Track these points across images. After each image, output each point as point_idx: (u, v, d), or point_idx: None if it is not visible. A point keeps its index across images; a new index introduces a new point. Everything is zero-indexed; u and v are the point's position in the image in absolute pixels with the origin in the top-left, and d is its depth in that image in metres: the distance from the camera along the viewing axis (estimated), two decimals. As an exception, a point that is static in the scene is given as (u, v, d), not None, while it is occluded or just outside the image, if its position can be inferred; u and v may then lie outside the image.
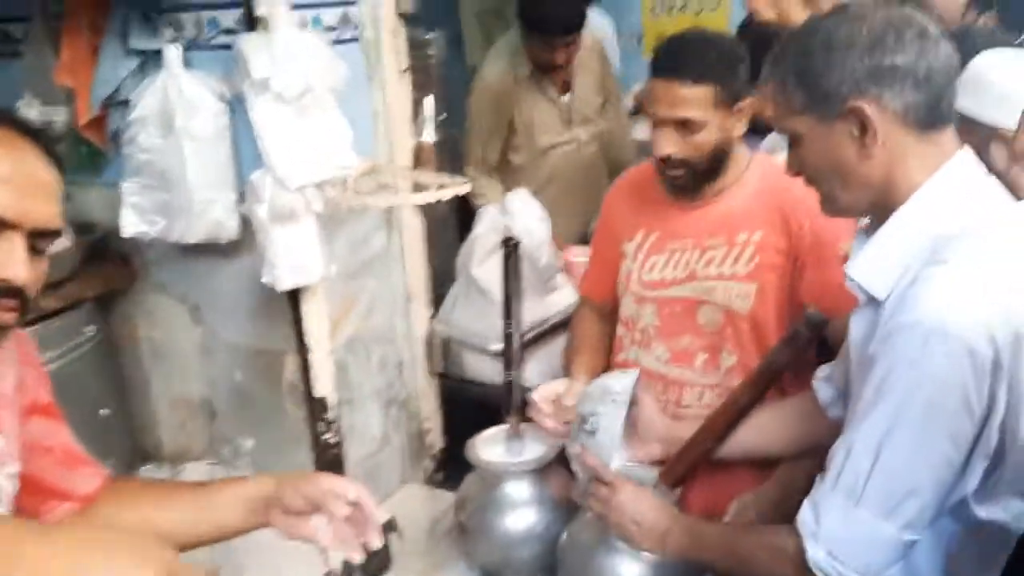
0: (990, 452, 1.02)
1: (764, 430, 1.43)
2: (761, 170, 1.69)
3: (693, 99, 1.53)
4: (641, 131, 4.09)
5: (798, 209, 1.61)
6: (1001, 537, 1.07)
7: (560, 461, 1.69)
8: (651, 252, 1.75)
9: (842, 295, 1.51)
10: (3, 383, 1.05)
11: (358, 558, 1.12)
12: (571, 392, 1.70)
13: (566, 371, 1.86)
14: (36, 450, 1.11)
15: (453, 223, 2.95)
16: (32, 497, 1.12)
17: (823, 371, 1.33)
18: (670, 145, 1.58)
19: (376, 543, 1.13)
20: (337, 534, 1.12)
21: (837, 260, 1.59)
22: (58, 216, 0.96)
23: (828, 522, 1.06)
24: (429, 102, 2.43)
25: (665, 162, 1.61)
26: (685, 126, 1.56)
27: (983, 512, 1.06)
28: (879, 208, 1.11)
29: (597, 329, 1.91)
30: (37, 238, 0.93)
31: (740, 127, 1.60)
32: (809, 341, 1.29)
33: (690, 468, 1.46)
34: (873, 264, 1.09)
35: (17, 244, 0.91)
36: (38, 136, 0.97)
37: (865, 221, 1.38)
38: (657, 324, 1.75)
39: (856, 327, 1.16)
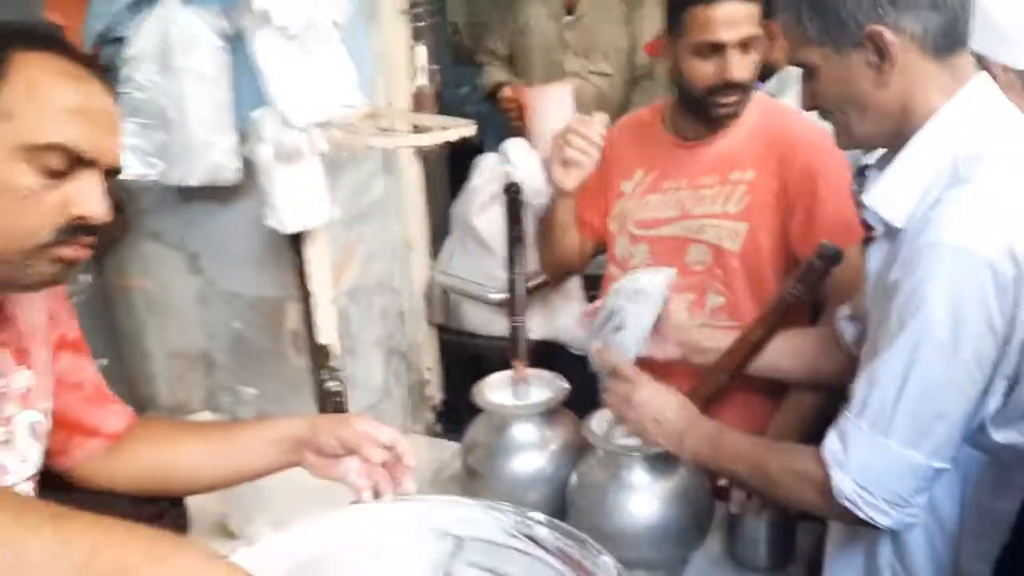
0: (1010, 373, 1.02)
1: (780, 353, 1.43)
2: (759, 109, 1.69)
3: (749, 16, 1.54)
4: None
5: (793, 147, 1.61)
6: (1017, 462, 1.08)
7: (567, 404, 1.69)
8: (648, 191, 1.76)
9: (835, 233, 1.52)
10: (37, 317, 1.04)
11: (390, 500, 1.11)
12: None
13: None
14: (65, 385, 1.10)
15: (444, 174, 2.92)
16: (60, 431, 1.11)
17: (844, 310, 1.33)
18: (747, 67, 1.57)
19: (411, 488, 1.11)
20: (370, 476, 1.11)
21: (831, 198, 1.60)
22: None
23: (855, 452, 1.05)
24: (421, 51, 2.39)
25: (732, 88, 1.58)
26: (746, 46, 1.55)
27: (1000, 436, 1.07)
28: (896, 137, 1.10)
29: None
30: (108, 176, 0.91)
31: None
32: (823, 274, 1.29)
33: (702, 404, 1.46)
34: (890, 192, 1.08)
35: (96, 181, 0.90)
36: (96, 66, 0.94)
37: (874, 156, 1.39)
38: (649, 263, 1.76)
39: (873, 258, 1.16)
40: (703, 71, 1.58)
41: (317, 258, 1.75)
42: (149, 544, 0.66)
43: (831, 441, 1.09)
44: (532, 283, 2.30)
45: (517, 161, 2.19)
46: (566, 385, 1.69)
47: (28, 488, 1.04)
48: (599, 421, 1.57)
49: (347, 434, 1.11)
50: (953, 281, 0.97)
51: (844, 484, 1.06)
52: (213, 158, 1.64)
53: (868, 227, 1.71)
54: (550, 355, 2.47)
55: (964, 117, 1.06)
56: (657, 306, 1.43)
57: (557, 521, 0.81)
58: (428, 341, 2.20)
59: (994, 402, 1.04)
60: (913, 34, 1.04)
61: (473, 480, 1.71)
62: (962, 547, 1.13)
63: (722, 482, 1.49)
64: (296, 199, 1.58)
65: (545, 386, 1.74)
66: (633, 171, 1.79)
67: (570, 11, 2.89)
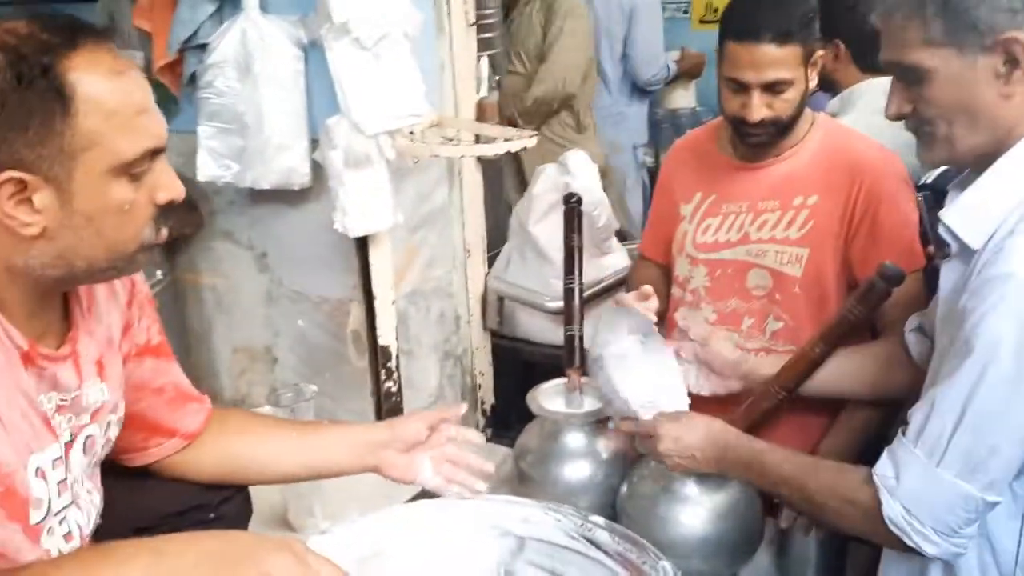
0: None
1: (840, 372, 1.42)
2: (823, 131, 1.67)
3: (781, 60, 1.50)
4: (682, 98, 4.09)
5: (857, 171, 1.60)
6: None
7: (619, 415, 1.71)
8: (707, 215, 1.75)
9: (897, 258, 1.51)
10: (110, 330, 1.06)
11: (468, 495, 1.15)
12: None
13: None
14: (146, 390, 1.13)
15: (506, 183, 2.97)
16: (137, 434, 1.14)
17: (912, 322, 1.31)
18: (762, 110, 1.56)
19: (481, 487, 1.15)
20: (444, 475, 1.15)
21: (894, 223, 1.59)
22: None
23: (907, 479, 1.03)
24: (484, 62, 2.44)
25: (751, 125, 1.59)
26: (773, 87, 1.55)
27: None
28: (991, 156, 1.04)
29: (656, 273, 1.92)
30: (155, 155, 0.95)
31: (814, 79, 1.59)
32: (884, 295, 1.28)
33: (759, 421, 1.46)
34: (969, 212, 1.05)
35: (166, 163, 0.93)
36: (107, 33, 0.94)
37: (934, 174, 1.36)
38: (707, 285, 1.76)
39: (946, 278, 1.12)
40: (730, 104, 1.59)
41: (380, 261, 1.79)
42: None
43: (883, 466, 1.06)
44: (588, 292, 2.33)
45: (576, 171, 2.22)
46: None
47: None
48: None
49: (410, 429, 1.16)
50: (1021, 314, 0.95)
51: (894, 510, 1.04)
52: (286, 162, 1.70)
53: (931, 254, 1.69)
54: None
55: None
56: (645, 361, 1.44)
57: (616, 525, 0.83)
58: (483, 346, 2.24)
59: None
60: None
61: (524, 484, 1.73)
62: None
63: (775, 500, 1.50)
64: (364, 204, 1.63)
65: (597, 396, 1.75)
66: (693, 194, 1.79)
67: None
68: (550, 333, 2.43)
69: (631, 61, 3.49)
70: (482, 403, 2.28)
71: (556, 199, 2.19)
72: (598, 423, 1.69)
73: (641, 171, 3.68)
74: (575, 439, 1.69)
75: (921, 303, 1.60)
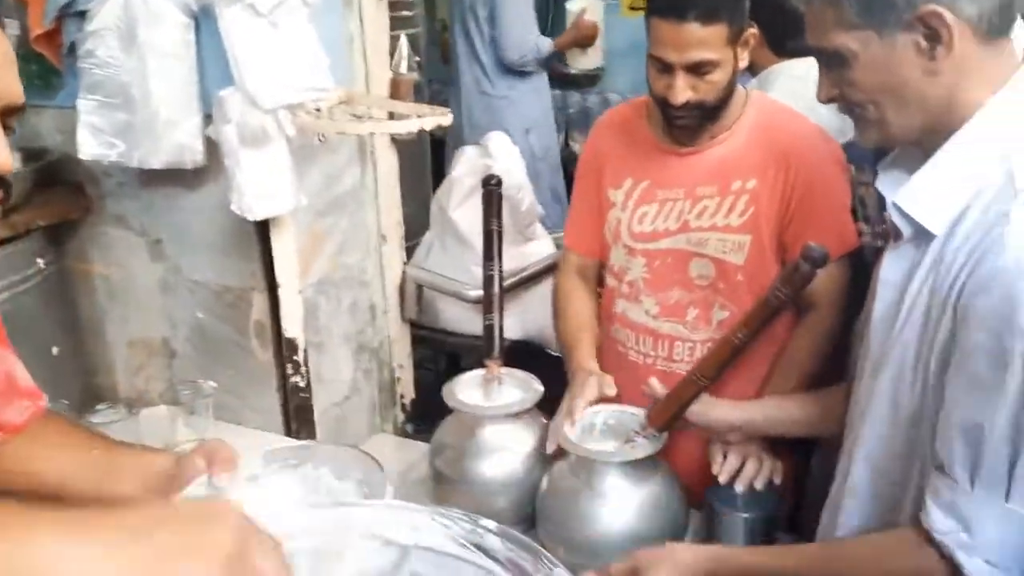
0: None
1: (813, 416, 1.32)
2: (756, 109, 1.62)
3: (706, 40, 1.44)
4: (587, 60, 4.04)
5: (793, 152, 1.55)
6: None
7: (540, 407, 1.63)
8: (641, 201, 1.67)
9: (829, 239, 1.46)
10: None
11: None
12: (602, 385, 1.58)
13: (565, 348, 1.77)
14: None
15: (426, 167, 2.87)
16: None
17: None
18: (685, 90, 1.49)
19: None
20: None
21: (828, 203, 1.54)
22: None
23: (982, 528, 0.91)
24: (404, 40, 2.33)
25: (676, 107, 1.52)
26: (698, 68, 1.48)
27: None
28: (932, 133, 0.99)
29: (588, 299, 1.81)
30: (6, 116, 0.83)
31: (745, 60, 1.53)
32: (809, 276, 1.22)
33: (681, 411, 1.40)
34: (926, 195, 0.98)
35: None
36: None
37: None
38: (647, 277, 1.69)
39: (894, 266, 1.05)
40: (656, 84, 1.52)
41: (284, 247, 1.68)
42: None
43: (941, 522, 0.93)
44: (509, 281, 2.24)
45: (497, 153, 2.13)
46: (540, 387, 1.63)
47: None
48: (572, 424, 1.51)
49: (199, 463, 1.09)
50: None
51: (978, 569, 0.91)
52: (176, 139, 1.57)
53: (860, 231, 1.65)
54: (527, 355, 2.42)
55: (1009, 112, 0.96)
56: None
57: (510, 530, 0.75)
58: (401, 338, 2.13)
59: None
60: (969, 16, 0.93)
61: (440, 484, 1.64)
62: None
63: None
64: (262, 184, 1.51)
65: (518, 387, 1.67)
66: (623, 179, 1.70)
67: None
68: (473, 323, 2.34)
69: (497, 43, 3.39)
70: (401, 397, 2.18)
71: (476, 182, 2.10)
72: (518, 416, 1.60)
73: (542, 156, 3.55)
74: (494, 433, 1.60)
75: (848, 284, 1.56)
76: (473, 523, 0.75)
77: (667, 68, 1.49)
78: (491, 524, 0.74)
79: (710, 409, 1.42)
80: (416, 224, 2.58)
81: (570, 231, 1.84)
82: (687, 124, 1.54)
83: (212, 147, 1.59)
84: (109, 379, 2.01)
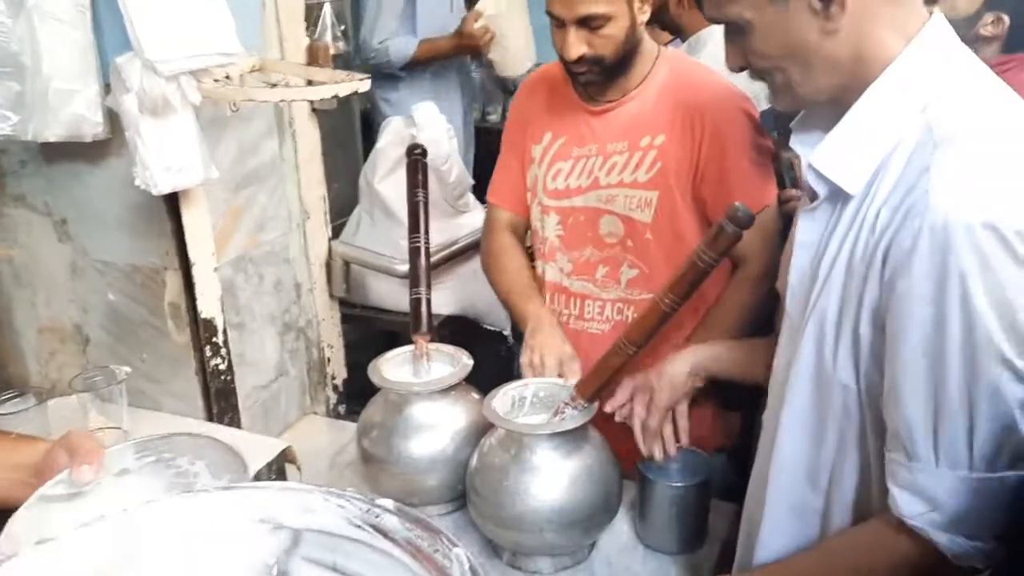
0: None
1: (758, 366, 1.26)
2: (668, 66, 1.60)
3: None
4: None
5: (702, 108, 1.53)
6: None
7: (472, 382, 1.59)
8: (557, 158, 1.66)
9: (748, 195, 1.44)
10: None
11: None
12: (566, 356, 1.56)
13: (512, 299, 1.73)
14: None
15: (356, 142, 2.78)
16: None
17: None
18: (578, 45, 1.47)
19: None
20: None
21: (741, 159, 1.52)
22: None
23: (951, 503, 0.89)
24: (328, 8, 2.24)
25: (575, 63, 1.50)
26: (591, 22, 1.45)
27: None
28: (846, 91, 0.97)
29: (524, 254, 1.78)
30: None
31: (645, 13, 1.50)
32: (735, 238, 1.19)
33: (609, 379, 1.36)
34: (842, 154, 0.95)
35: None
36: None
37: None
38: (560, 235, 1.68)
39: (809, 228, 1.02)
40: (555, 40, 1.52)
41: (196, 224, 1.59)
42: None
43: (908, 505, 0.91)
44: (440, 254, 2.19)
45: (423, 123, 2.07)
46: (469, 361, 1.59)
47: None
48: (501, 398, 1.47)
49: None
50: (990, 268, 0.83)
51: (955, 545, 0.90)
52: (73, 110, 1.46)
53: (781, 186, 1.64)
54: (462, 331, 2.37)
55: (926, 63, 0.93)
56: None
57: (408, 509, 0.71)
58: (329, 316, 2.07)
59: None
60: None
61: (368, 465, 1.59)
62: None
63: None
64: (167, 156, 1.42)
65: (448, 362, 1.62)
66: (543, 134, 1.68)
67: None
68: (405, 299, 2.29)
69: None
70: (332, 378, 2.11)
71: (402, 154, 2.03)
72: (447, 392, 1.56)
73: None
74: (422, 411, 1.56)
75: (776, 238, 1.55)
76: (369, 503, 0.70)
77: (560, 23, 1.47)
78: (388, 503, 0.70)
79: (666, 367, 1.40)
80: (348, 200, 2.51)
81: (498, 188, 1.81)
82: (589, 80, 1.52)
83: (115, 118, 1.50)
84: (21, 368, 1.91)
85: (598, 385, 1.37)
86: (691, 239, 1.57)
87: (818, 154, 0.97)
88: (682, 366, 1.39)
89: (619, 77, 1.55)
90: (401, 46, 3.05)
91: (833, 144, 0.97)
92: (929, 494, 0.89)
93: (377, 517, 0.69)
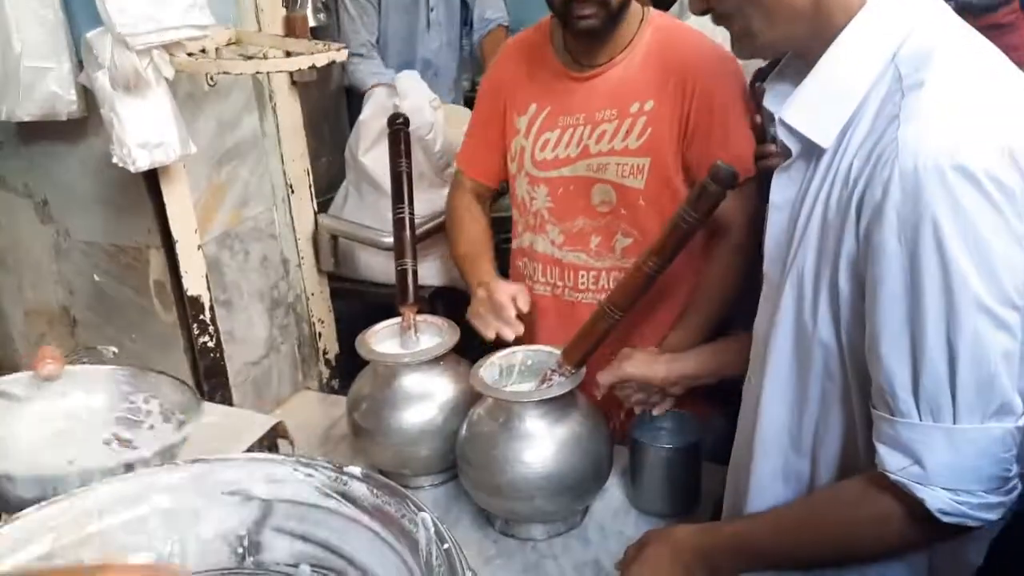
0: None
1: (737, 362, 1.22)
2: (653, 28, 1.56)
3: None
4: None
5: (690, 71, 1.50)
6: None
7: (460, 352, 1.58)
8: (543, 129, 1.62)
9: (736, 160, 1.42)
10: None
11: None
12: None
13: (464, 263, 1.73)
14: None
15: (342, 115, 2.74)
16: None
17: None
18: None
19: None
20: None
21: (730, 123, 1.50)
22: None
23: (933, 457, 0.86)
24: (308, -18, 2.21)
25: (580, 3, 1.44)
26: None
27: None
28: (810, 40, 0.95)
29: (483, 219, 1.78)
30: None
31: None
32: (719, 197, 1.18)
33: (595, 345, 1.36)
34: (813, 108, 0.93)
35: None
36: None
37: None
38: (550, 206, 1.65)
39: (783, 186, 1.00)
40: None
41: (177, 201, 1.58)
42: None
43: (891, 460, 0.89)
44: (428, 225, 2.17)
45: (407, 93, 2.04)
46: (457, 331, 1.58)
47: None
48: (489, 367, 1.46)
49: None
50: (963, 212, 0.81)
51: (939, 500, 0.87)
52: (47, 88, 1.45)
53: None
54: (452, 303, 2.36)
55: (892, 11, 0.91)
56: None
57: (376, 475, 0.71)
58: (319, 291, 2.05)
59: None
60: None
61: (359, 437, 1.59)
62: None
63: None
64: (143, 132, 1.41)
65: (436, 333, 1.62)
66: (527, 105, 1.64)
67: None
68: (393, 272, 2.27)
69: None
70: (324, 353, 2.10)
71: (385, 124, 2.01)
72: (436, 362, 1.55)
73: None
74: (411, 382, 1.55)
75: (759, 207, 1.52)
76: (337, 471, 0.70)
77: None
78: (356, 470, 0.70)
79: (648, 366, 1.40)
80: (336, 174, 2.48)
81: (466, 155, 1.79)
82: (590, 25, 1.47)
83: (90, 96, 1.48)
84: (8, 352, 1.91)
85: (584, 352, 1.36)
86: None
87: (788, 108, 0.95)
88: (661, 371, 1.40)
89: (608, 36, 1.51)
90: (365, 74, 2.76)
91: (802, 97, 0.95)
92: (911, 448, 0.88)
93: (345, 485, 0.69)
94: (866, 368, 0.92)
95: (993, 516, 0.89)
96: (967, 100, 0.85)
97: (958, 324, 0.83)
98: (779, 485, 1.07)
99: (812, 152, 0.96)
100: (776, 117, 0.96)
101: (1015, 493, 0.90)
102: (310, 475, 0.69)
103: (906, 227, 0.83)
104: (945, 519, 0.88)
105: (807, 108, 0.94)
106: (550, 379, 1.40)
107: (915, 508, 0.89)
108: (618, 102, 1.55)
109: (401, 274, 1.64)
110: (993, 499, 0.88)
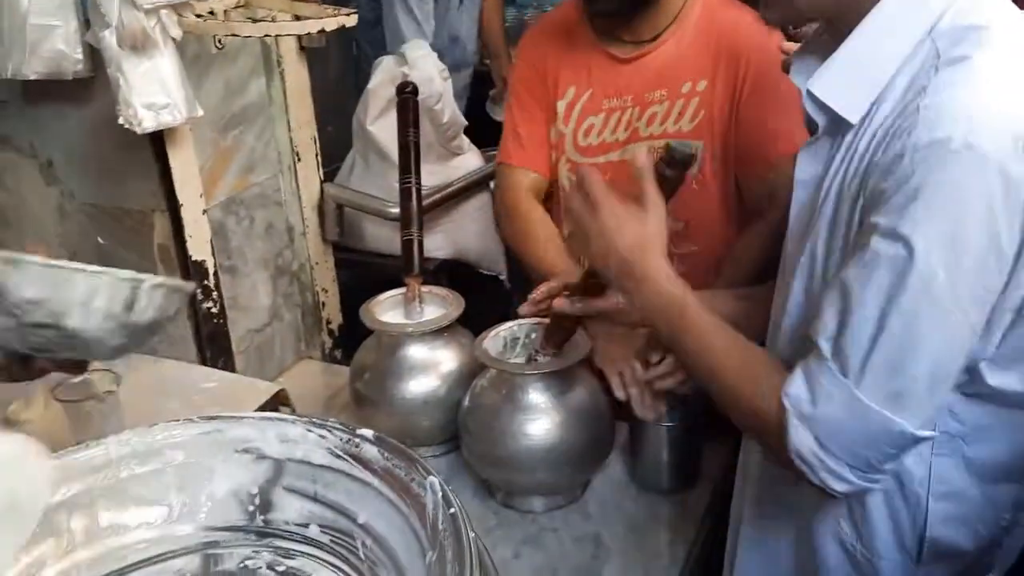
0: (1017, 305, 0.85)
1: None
2: (700, 5, 1.52)
3: None
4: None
5: (744, 50, 1.46)
6: (1009, 409, 0.92)
7: (465, 325, 1.57)
8: (586, 112, 1.57)
9: (779, 144, 1.38)
10: None
11: None
12: None
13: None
14: None
15: (352, 83, 2.73)
16: None
17: None
18: None
19: None
20: None
21: (778, 102, 1.44)
22: None
23: (825, 406, 0.86)
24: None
25: None
26: None
27: (996, 380, 0.90)
28: (842, 8, 0.91)
29: (551, 221, 1.67)
30: None
31: None
32: (676, 181, 1.10)
33: (573, 327, 1.34)
34: (843, 81, 0.89)
35: None
36: None
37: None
38: None
39: (807, 163, 0.98)
40: None
41: (183, 164, 1.56)
42: None
43: (796, 385, 0.88)
44: (435, 196, 2.16)
45: (416, 61, 2.02)
46: (461, 302, 1.57)
47: None
48: (493, 339, 1.45)
49: None
50: (953, 193, 0.78)
51: (803, 442, 0.87)
52: (52, 46, 1.43)
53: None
54: (458, 275, 2.35)
55: None
56: None
57: (388, 439, 0.71)
58: (323, 260, 2.04)
59: (992, 343, 0.87)
60: None
61: (361, 407, 1.59)
62: (929, 511, 0.98)
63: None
64: (149, 93, 1.39)
65: (440, 304, 1.61)
66: (565, 88, 1.59)
67: None
68: (399, 243, 2.26)
69: None
70: (328, 322, 2.10)
71: (393, 93, 1.99)
72: (440, 333, 1.55)
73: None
74: (414, 352, 1.55)
75: None
76: (350, 433, 0.70)
77: None
78: (368, 433, 0.70)
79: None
80: (344, 143, 2.47)
81: (517, 149, 1.69)
82: (610, 9, 1.43)
83: (97, 56, 1.46)
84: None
85: (564, 335, 1.35)
86: (736, 186, 1.52)
87: (816, 79, 0.92)
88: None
89: (645, 12, 1.46)
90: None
91: (833, 68, 0.91)
92: (815, 387, 0.86)
93: (357, 447, 0.69)
94: None
95: (838, 487, 0.88)
96: (1004, 80, 0.81)
97: (899, 298, 0.80)
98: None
99: (839, 127, 0.93)
100: (804, 90, 0.93)
101: (873, 485, 0.89)
102: (323, 436, 0.70)
103: (896, 198, 0.80)
104: (795, 460, 0.88)
105: (836, 79, 0.90)
106: (535, 359, 1.39)
107: (781, 430, 0.88)
108: (668, 82, 1.50)
109: (407, 244, 1.63)
110: (848, 474, 0.87)
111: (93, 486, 0.69)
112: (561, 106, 1.60)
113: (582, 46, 1.57)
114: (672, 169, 1.07)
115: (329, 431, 0.71)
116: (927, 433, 0.85)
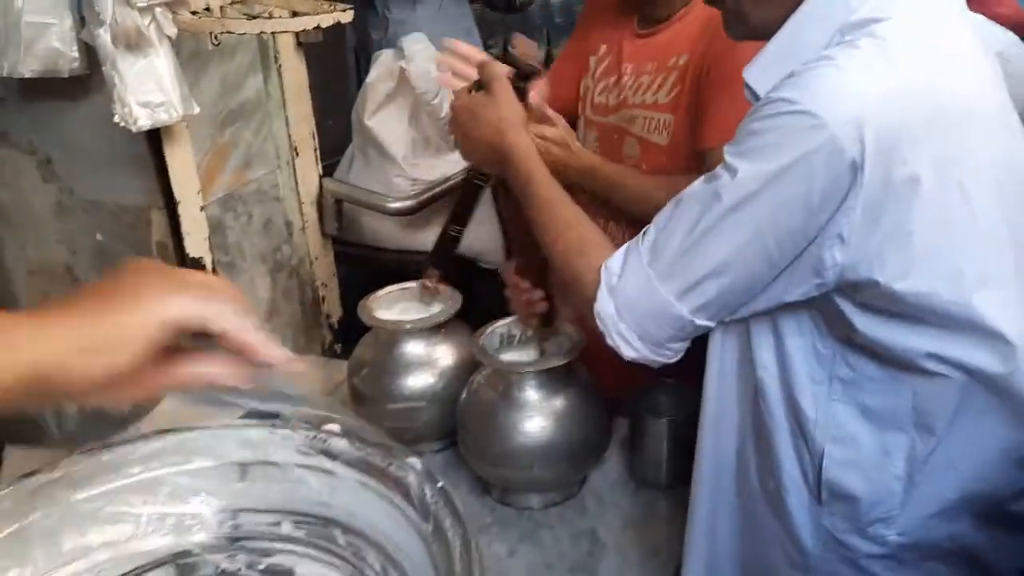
0: (826, 277, 0.90)
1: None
2: None
3: None
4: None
5: (710, 23, 1.46)
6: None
7: (466, 319, 1.57)
8: (604, 73, 1.60)
9: (711, 136, 1.39)
10: None
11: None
12: None
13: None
14: None
15: (350, 78, 2.72)
16: None
17: None
18: None
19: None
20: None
21: (724, 92, 1.45)
22: None
23: (627, 281, 0.99)
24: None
25: None
26: None
27: (869, 333, 0.94)
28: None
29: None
30: None
31: None
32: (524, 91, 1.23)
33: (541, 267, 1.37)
34: (770, 65, 0.95)
35: None
36: None
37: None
38: (596, 151, 1.62)
39: None
40: None
41: (180, 161, 1.57)
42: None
43: (615, 260, 1.02)
44: (435, 191, 2.16)
45: (414, 55, 2.01)
46: (459, 298, 1.57)
47: None
48: (490, 335, 1.45)
49: None
50: (783, 139, 0.86)
51: (604, 308, 1.01)
52: (48, 44, 1.43)
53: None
54: (458, 269, 2.35)
55: None
56: None
57: (359, 430, 0.72)
58: (323, 255, 2.05)
59: (796, 292, 0.94)
60: None
61: (359, 403, 1.59)
62: (826, 453, 1.02)
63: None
64: (145, 91, 1.39)
65: (439, 300, 1.61)
66: (599, 46, 1.63)
67: None
68: (399, 237, 2.26)
69: None
70: (328, 317, 2.10)
71: (392, 88, 1.99)
72: (438, 329, 1.54)
73: None
74: (412, 348, 1.54)
75: None
76: (316, 430, 0.71)
77: None
78: (336, 428, 0.70)
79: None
80: (343, 138, 2.46)
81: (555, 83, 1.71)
82: None
83: (93, 54, 1.46)
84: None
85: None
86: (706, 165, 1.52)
87: (749, 67, 0.97)
88: None
89: None
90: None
91: (763, 57, 0.97)
92: (627, 264, 0.99)
93: (325, 442, 0.70)
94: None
95: (627, 353, 1.01)
96: (873, 66, 0.86)
97: (711, 211, 0.91)
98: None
99: None
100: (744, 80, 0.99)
101: (662, 358, 1.01)
102: (288, 436, 0.71)
103: (741, 132, 0.90)
104: (598, 321, 1.01)
105: (764, 68, 0.96)
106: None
107: (593, 296, 1.01)
108: (662, 56, 1.51)
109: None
110: (637, 343, 1.00)
111: (51, 510, 0.69)
112: (593, 61, 1.62)
113: (621, 11, 1.58)
114: (522, 81, 1.22)
115: (293, 430, 0.72)
116: (703, 322, 0.98)
